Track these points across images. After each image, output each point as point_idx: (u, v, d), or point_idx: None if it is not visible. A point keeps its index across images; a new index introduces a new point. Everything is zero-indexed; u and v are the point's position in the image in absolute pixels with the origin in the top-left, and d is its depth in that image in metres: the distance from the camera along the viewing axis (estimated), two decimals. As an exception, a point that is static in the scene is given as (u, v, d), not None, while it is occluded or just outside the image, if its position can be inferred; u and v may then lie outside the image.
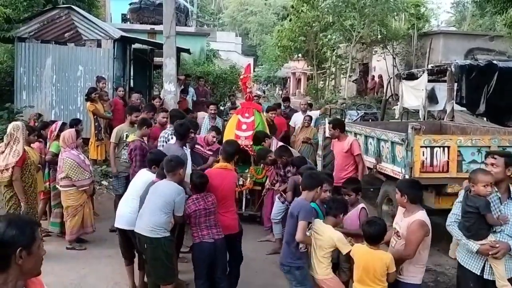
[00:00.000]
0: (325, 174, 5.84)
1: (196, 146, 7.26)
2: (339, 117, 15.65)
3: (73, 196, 6.41)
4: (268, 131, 8.21)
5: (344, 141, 7.26)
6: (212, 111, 9.70)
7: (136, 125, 7.20)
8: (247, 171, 8.05)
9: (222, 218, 5.12)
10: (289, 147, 7.68)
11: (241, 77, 8.99)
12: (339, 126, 7.43)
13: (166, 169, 4.86)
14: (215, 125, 8.87)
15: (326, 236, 4.44)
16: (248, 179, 7.91)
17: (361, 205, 5.17)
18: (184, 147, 5.94)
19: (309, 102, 12.44)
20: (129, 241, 5.34)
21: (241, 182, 7.77)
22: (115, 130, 7.56)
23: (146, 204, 4.85)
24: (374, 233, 4.11)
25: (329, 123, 7.73)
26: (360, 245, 4.31)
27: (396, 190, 4.29)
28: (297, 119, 10.50)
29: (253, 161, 8.05)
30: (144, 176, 5.40)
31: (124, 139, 7.25)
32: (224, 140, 7.17)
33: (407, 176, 6.82)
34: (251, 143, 7.91)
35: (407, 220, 4.12)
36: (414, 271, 4.17)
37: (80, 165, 6.46)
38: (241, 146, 7.57)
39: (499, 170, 4.11)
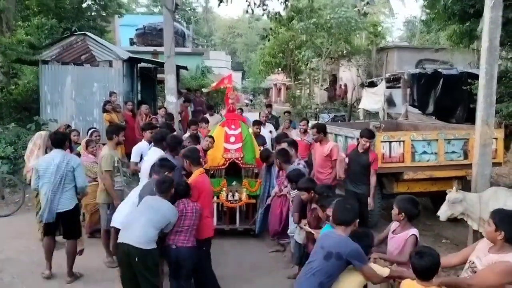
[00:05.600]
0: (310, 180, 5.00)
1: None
2: (314, 120, 15.77)
3: (91, 194, 6.26)
4: (255, 143, 7.28)
5: (325, 145, 6.59)
6: (195, 132, 7.67)
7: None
8: (234, 183, 6.86)
9: (206, 220, 4.70)
10: (288, 151, 5.93)
11: (213, 85, 7.74)
12: (323, 130, 6.72)
13: (159, 190, 4.30)
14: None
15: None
16: (244, 193, 6.66)
17: (413, 230, 3.70)
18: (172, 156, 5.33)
19: (288, 110, 12.42)
20: None
21: (236, 198, 6.63)
22: (106, 157, 5.66)
23: (139, 217, 4.17)
24: (426, 267, 2.93)
25: (313, 127, 6.84)
26: (409, 282, 3.08)
27: (489, 221, 3.01)
28: None
29: (244, 175, 6.94)
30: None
31: (116, 164, 5.73)
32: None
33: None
34: (242, 155, 6.82)
35: (494, 258, 2.95)
36: None
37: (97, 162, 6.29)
38: (231, 160, 6.82)
39: None
